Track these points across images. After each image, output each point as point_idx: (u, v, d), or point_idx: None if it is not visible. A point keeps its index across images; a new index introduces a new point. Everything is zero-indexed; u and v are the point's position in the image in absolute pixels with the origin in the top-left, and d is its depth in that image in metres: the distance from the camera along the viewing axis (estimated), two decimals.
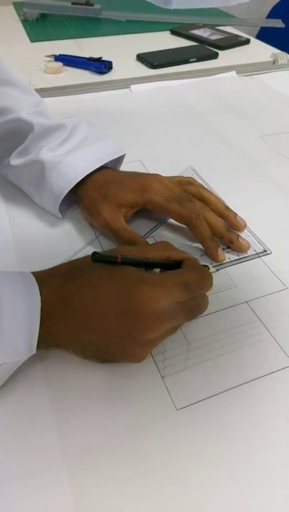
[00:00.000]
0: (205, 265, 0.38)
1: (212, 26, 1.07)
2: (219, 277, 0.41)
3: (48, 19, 1.12)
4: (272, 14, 1.64)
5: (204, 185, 0.48)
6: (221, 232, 0.44)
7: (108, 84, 0.80)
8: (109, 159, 0.47)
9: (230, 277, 0.41)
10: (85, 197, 0.45)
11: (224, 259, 0.43)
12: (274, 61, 0.93)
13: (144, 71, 0.85)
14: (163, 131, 0.66)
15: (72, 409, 0.31)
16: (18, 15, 1.12)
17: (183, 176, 0.49)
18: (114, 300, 0.30)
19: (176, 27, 1.06)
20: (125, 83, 0.80)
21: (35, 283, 0.31)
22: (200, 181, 0.52)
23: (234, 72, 0.85)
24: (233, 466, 0.28)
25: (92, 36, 1.02)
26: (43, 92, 0.76)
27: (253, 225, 0.47)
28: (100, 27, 1.09)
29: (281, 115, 0.72)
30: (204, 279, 0.34)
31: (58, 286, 0.32)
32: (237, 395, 0.32)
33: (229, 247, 0.44)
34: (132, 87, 0.78)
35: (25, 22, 1.08)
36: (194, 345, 0.35)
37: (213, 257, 0.43)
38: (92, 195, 0.45)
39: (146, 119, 0.69)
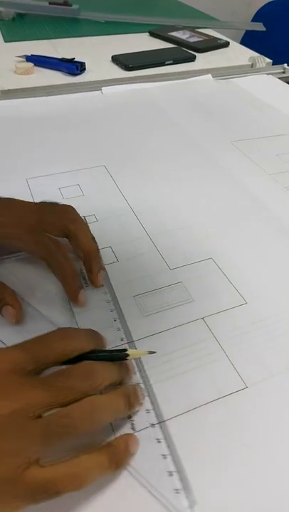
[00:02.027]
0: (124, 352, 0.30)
1: (192, 28, 1.05)
2: (175, 291, 0.39)
3: (25, 19, 1.09)
4: (257, 18, 1.63)
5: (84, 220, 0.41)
6: (89, 257, 0.39)
7: (80, 86, 0.78)
8: None
9: (187, 290, 0.39)
10: None
11: (84, 305, 0.37)
12: (252, 64, 0.91)
13: (119, 73, 0.83)
14: (132, 136, 0.64)
15: None
16: None
17: (47, 202, 0.41)
18: None
19: (154, 29, 1.04)
20: (98, 85, 0.78)
21: None
22: (170, 188, 0.50)
23: (210, 75, 0.83)
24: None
25: (69, 37, 1.00)
26: (12, 93, 0.73)
27: (218, 232, 0.45)
28: (78, 28, 1.07)
29: (253, 120, 0.70)
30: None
31: None
32: (187, 421, 0.30)
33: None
34: (104, 89, 0.76)
35: (0, 21, 1.06)
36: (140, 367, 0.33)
37: (72, 299, 0.37)
38: None
39: (115, 123, 0.67)
